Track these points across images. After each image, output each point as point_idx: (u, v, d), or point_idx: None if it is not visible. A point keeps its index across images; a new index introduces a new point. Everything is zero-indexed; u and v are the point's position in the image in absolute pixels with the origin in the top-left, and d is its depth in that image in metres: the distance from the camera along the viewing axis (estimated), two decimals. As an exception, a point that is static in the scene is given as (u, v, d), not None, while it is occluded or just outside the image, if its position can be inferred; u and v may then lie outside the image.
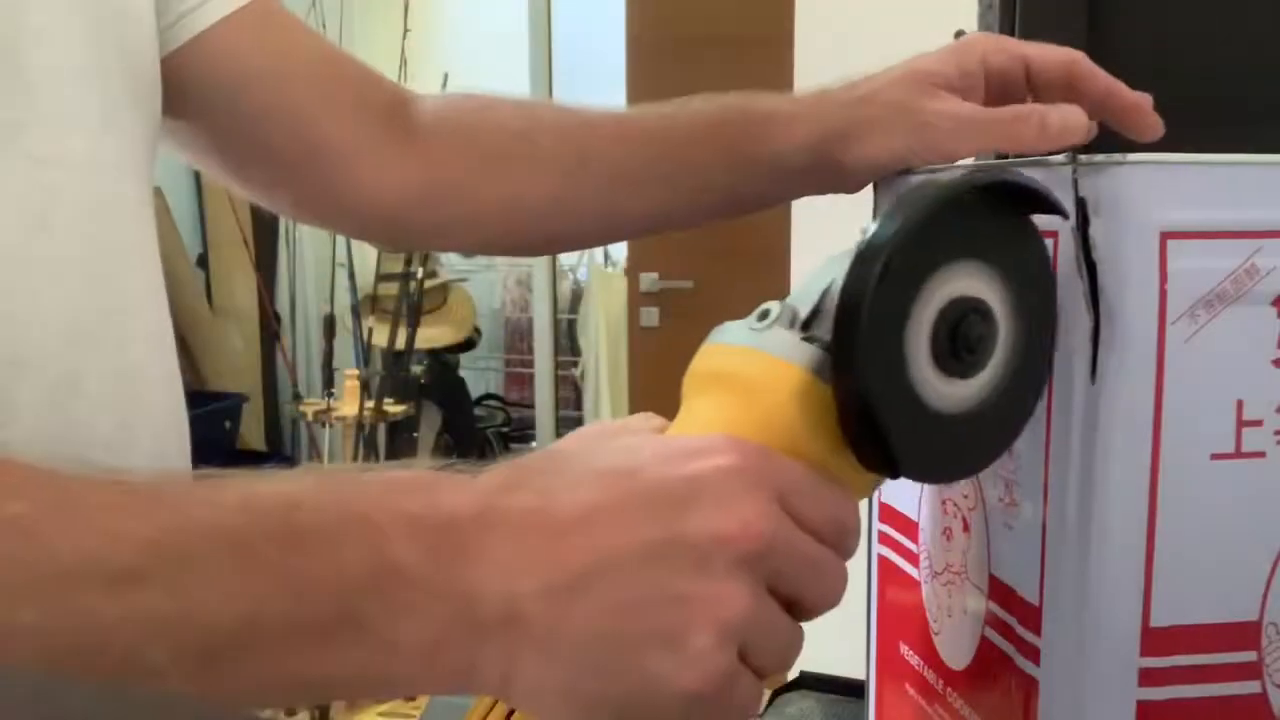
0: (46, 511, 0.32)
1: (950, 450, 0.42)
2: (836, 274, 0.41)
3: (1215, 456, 0.44)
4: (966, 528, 0.52)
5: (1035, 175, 0.46)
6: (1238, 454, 0.44)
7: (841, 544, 0.40)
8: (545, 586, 0.35)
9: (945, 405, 0.41)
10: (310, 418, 3.07)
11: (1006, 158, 0.56)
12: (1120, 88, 0.57)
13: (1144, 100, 0.57)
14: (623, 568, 0.36)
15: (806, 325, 0.42)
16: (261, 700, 0.35)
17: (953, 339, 0.40)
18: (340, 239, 3.18)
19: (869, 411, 0.39)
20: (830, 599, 0.40)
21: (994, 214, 0.41)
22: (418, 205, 0.68)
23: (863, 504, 0.43)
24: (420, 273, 3.01)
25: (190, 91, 0.61)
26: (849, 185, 0.63)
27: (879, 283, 0.38)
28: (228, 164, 0.67)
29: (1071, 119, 0.55)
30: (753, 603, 0.37)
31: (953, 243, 0.40)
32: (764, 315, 0.42)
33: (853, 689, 0.79)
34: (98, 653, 0.31)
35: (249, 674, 0.33)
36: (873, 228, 0.39)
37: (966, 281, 0.41)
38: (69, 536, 0.32)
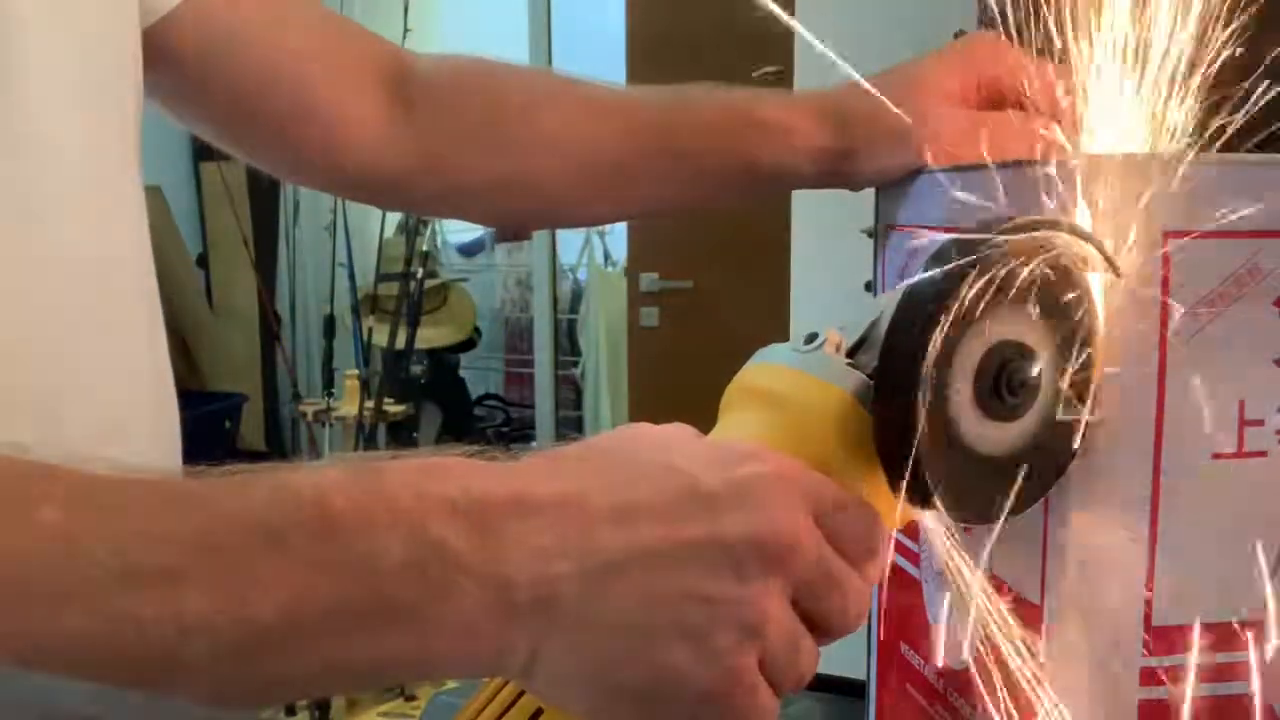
0: (82, 515, 0.32)
1: (985, 490, 0.42)
2: (885, 308, 0.41)
3: (1217, 456, 0.44)
4: (967, 527, 0.52)
5: (1039, 176, 0.46)
6: (1239, 453, 0.44)
7: (867, 568, 0.40)
8: (579, 571, 0.35)
9: (985, 446, 0.41)
10: (310, 418, 3.07)
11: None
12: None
13: None
14: (657, 562, 0.36)
15: (852, 353, 0.42)
16: (297, 691, 0.35)
17: (996, 381, 0.41)
18: (340, 239, 3.18)
19: (906, 441, 0.39)
20: (850, 620, 0.40)
21: (1043, 260, 0.41)
22: (414, 173, 0.68)
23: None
24: (420, 273, 3.00)
25: (180, 58, 0.60)
26: (852, 188, 0.63)
27: (927, 321, 0.38)
28: (223, 128, 0.67)
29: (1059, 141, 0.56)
30: (778, 610, 0.37)
31: (1000, 286, 0.40)
32: (810, 339, 0.43)
33: (853, 689, 0.79)
34: (139, 654, 0.32)
35: (287, 665, 0.33)
36: (923, 270, 0.40)
37: (1013, 326, 0.41)
38: (106, 539, 0.32)
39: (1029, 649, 0.46)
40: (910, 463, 0.39)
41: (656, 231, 3.01)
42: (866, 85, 0.62)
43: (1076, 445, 0.43)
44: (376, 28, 0.71)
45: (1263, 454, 0.44)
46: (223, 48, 0.62)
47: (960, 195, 0.52)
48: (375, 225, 3.44)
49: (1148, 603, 0.44)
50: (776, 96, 0.64)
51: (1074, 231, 0.42)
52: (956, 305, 0.39)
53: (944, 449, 0.40)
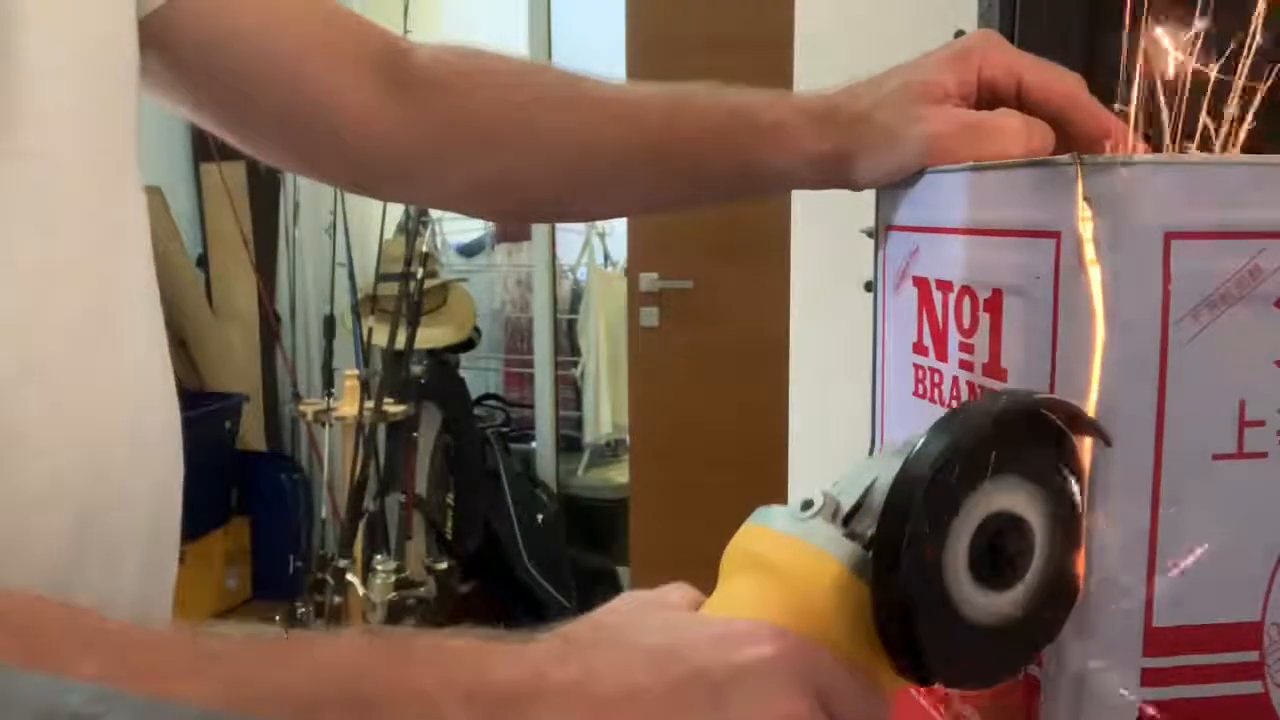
0: (114, 677, 0.33)
1: (981, 660, 0.43)
2: (880, 472, 0.42)
3: (1217, 457, 0.44)
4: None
5: (1039, 176, 0.46)
6: (1240, 454, 0.44)
7: None
8: None
9: (980, 616, 0.41)
10: (310, 418, 3.06)
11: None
12: (1112, 128, 0.55)
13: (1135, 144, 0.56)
14: None
15: (848, 519, 0.43)
16: None
17: (991, 553, 0.41)
18: (340, 239, 3.17)
19: (905, 621, 0.39)
20: None
21: (1036, 433, 0.42)
22: (412, 162, 0.68)
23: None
24: (420, 273, 3.00)
25: (180, 49, 0.60)
26: (853, 189, 0.63)
27: (923, 498, 0.39)
28: (222, 118, 0.66)
29: (1049, 143, 0.56)
30: None
31: (995, 460, 0.41)
32: (807, 505, 0.43)
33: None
34: None
35: None
36: (920, 441, 0.40)
37: (1007, 497, 0.41)
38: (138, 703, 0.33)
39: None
40: (909, 640, 0.40)
41: (656, 231, 3.01)
42: (866, 86, 0.62)
43: (1068, 611, 0.44)
44: (376, 27, 0.71)
45: (1263, 455, 0.44)
46: (219, 38, 0.61)
47: (959, 196, 0.52)
48: (375, 225, 3.44)
49: (1149, 603, 0.44)
50: (776, 98, 0.64)
51: (1064, 409, 0.42)
52: (950, 479, 0.40)
53: (941, 622, 0.40)
